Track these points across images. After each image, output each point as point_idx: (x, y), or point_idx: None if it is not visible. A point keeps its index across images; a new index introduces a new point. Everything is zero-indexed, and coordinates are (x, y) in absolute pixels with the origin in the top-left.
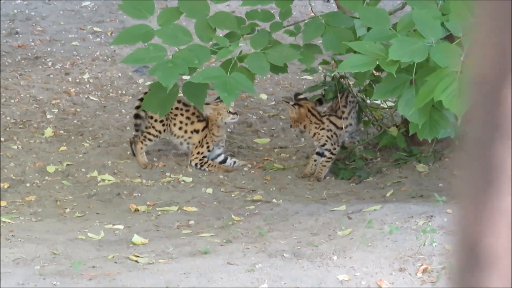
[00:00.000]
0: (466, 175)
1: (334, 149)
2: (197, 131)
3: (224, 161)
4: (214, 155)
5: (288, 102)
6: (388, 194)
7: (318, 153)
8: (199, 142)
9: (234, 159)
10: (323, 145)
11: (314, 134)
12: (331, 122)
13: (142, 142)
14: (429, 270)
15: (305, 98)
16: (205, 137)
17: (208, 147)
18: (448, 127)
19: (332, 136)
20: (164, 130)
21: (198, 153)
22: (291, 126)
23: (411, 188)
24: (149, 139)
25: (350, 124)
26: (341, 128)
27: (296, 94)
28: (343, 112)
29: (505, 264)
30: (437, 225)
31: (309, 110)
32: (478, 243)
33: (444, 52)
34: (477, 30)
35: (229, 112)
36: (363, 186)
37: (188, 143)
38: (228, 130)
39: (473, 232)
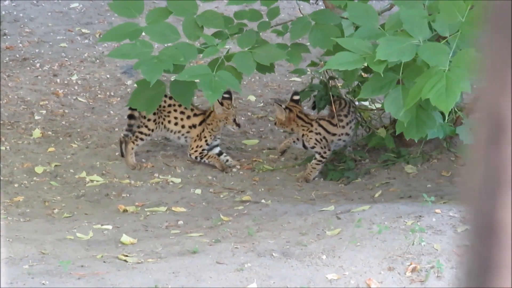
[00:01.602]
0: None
1: (325, 152)
2: (194, 126)
3: (218, 154)
4: (211, 146)
5: (280, 105)
6: (376, 195)
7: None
8: (197, 136)
9: (228, 157)
10: (313, 147)
11: (303, 136)
12: (320, 125)
13: (133, 142)
14: (418, 269)
15: (299, 100)
16: (203, 131)
17: (206, 141)
18: (435, 127)
19: (321, 139)
20: (156, 128)
21: (197, 146)
22: (275, 123)
23: (400, 188)
24: (141, 139)
25: (347, 134)
26: (333, 134)
27: (294, 93)
28: (341, 121)
29: None
30: (426, 225)
31: (297, 115)
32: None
33: (432, 50)
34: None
35: (234, 121)
36: (352, 187)
37: (186, 137)
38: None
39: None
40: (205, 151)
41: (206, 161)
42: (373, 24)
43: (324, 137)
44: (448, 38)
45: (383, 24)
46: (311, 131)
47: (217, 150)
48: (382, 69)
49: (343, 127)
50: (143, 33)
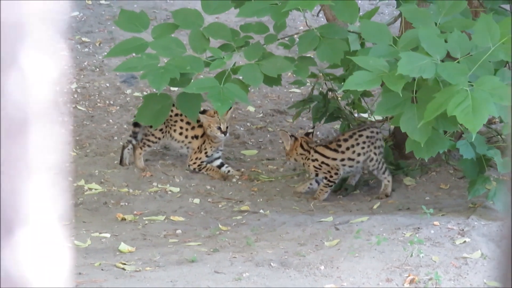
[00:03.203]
0: None
1: (331, 176)
2: (196, 137)
3: (220, 166)
4: (212, 158)
5: (286, 132)
6: (375, 207)
7: (316, 180)
8: (198, 148)
9: (229, 168)
10: (316, 174)
11: (303, 165)
12: (316, 151)
13: (141, 148)
14: (416, 281)
15: (311, 134)
16: (204, 143)
17: (206, 153)
18: (445, 147)
19: (320, 165)
20: (163, 137)
21: (196, 158)
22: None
23: (398, 201)
24: (148, 145)
25: (351, 159)
26: (333, 159)
27: (312, 127)
28: (339, 146)
29: None
30: (424, 237)
31: (300, 144)
32: None
33: (452, 70)
34: None
35: (219, 129)
36: (350, 198)
37: (188, 148)
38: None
39: None
40: (204, 163)
41: (205, 173)
42: (386, 42)
43: (323, 162)
44: (459, 59)
45: (394, 41)
46: (308, 159)
47: (218, 162)
48: (400, 88)
49: (343, 152)
50: (149, 48)
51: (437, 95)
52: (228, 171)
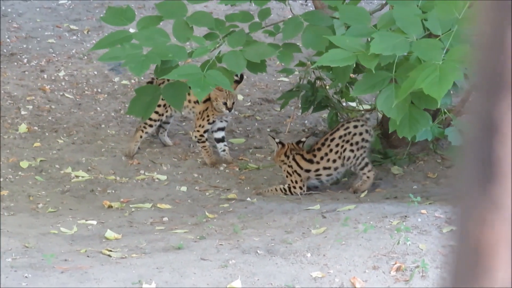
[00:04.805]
0: (464, 171)
1: (294, 187)
2: (198, 102)
3: (220, 140)
4: (215, 128)
5: (274, 138)
6: (362, 195)
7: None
8: (199, 113)
9: (226, 148)
10: (287, 177)
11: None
12: (293, 159)
13: (142, 130)
14: (402, 268)
15: (302, 142)
16: (207, 109)
17: (208, 120)
18: (428, 125)
19: (292, 173)
20: (167, 111)
21: (199, 126)
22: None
23: (386, 189)
24: (150, 125)
25: (326, 168)
26: (307, 170)
27: (306, 137)
28: (314, 156)
29: (506, 259)
30: (411, 225)
31: (285, 152)
32: (478, 241)
33: (426, 46)
34: None
35: (224, 104)
36: (338, 187)
37: (193, 113)
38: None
39: (473, 230)
40: (206, 135)
41: (199, 148)
42: (364, 24)
43: (295, 171)
44: (441, 36)
45: (375, 25)
46: (285, 164)
47: (220, 135)
48: (374, 66)
49: (318, 162)
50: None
51: (411, 74)
52: (224, 150)
